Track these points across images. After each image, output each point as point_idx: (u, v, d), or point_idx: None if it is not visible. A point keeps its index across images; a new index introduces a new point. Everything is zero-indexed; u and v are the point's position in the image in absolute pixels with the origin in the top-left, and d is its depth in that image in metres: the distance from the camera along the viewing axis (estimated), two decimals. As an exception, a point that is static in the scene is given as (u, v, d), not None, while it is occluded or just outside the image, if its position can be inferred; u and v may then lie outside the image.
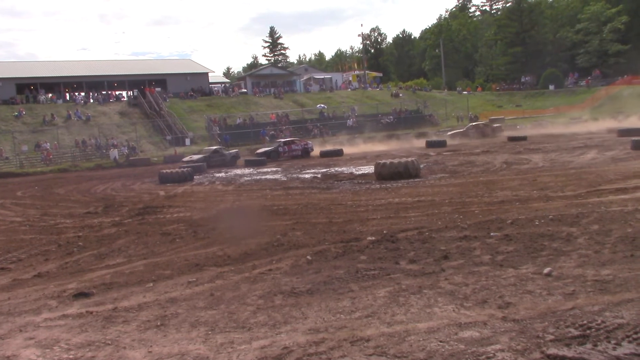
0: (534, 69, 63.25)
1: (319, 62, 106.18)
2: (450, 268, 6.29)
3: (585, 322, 4.33)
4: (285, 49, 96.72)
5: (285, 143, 31.08)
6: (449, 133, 34.76)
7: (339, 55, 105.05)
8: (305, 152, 30.54)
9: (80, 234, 10.69)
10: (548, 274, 5.72)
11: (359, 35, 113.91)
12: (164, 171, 21.52)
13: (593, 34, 60.33)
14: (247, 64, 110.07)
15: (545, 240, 7.20)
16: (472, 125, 34.85)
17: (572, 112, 45.09)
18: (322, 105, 49.51)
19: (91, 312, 5.58)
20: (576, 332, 4.14)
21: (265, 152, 30.01)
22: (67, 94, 48.90)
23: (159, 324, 5.10)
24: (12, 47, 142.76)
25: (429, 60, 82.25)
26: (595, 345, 3.89)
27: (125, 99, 48.72)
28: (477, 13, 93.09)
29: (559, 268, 5.95)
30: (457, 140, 32.01)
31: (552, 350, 3.84)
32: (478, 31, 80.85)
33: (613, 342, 3.93)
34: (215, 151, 29.45)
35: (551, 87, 58.07)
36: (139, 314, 5.44)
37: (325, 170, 20.62)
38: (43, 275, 7.60)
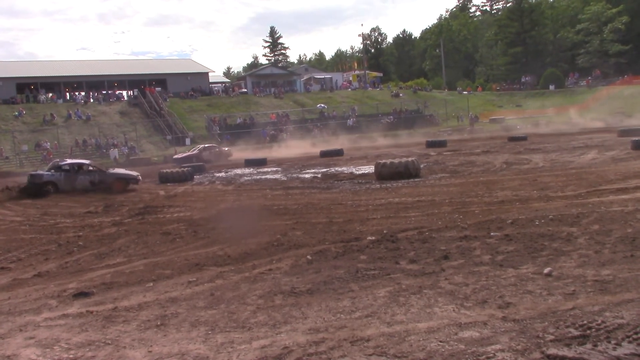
0: (535, 69, 63.26)
1: (319, 62, 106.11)
2: (451, 268, 6.28)
3: (585, 322, 4.32)
4: (285, 48, 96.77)
5: (78, 167, 18.48)
6: (175, 157, 31.51)
7: (339, 55, 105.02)
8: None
9: (81, 233, 10.70)
10: (548, 274, 5.71)
11: (359, 35, 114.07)
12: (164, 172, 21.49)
13: (594, 34, 60.33)
14: (248, 64, 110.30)
15: (545, 240, 7.19)
16: (204, 147, 33.03)
17: (571, 112, 45.06)
18: (322, 105, 49.55)
19: (91, 312, 5.58)
20: (576, 332, 4.13)
21: (44, 181, 17.56)
22: (67, 94, 48.95)
23: (159, 323, 5.10)
24: (12, 47, 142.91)
25: (430, 60, 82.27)
26: (596, 346, 3.89)
27: (126, 99, 48.75)
28: (478, 13, 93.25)
29: (559, 268, 5.94)
30: (189, 162, 27.44)
31: (552, 351, 3.84)
32: (478, 31, 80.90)
33: (613, 342, 3.92)
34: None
35: (551, 87, 58.03)
36: (139, 314, 5.44)
37: (325, 170, 20.60)
38: (43, 274, 7.60)
